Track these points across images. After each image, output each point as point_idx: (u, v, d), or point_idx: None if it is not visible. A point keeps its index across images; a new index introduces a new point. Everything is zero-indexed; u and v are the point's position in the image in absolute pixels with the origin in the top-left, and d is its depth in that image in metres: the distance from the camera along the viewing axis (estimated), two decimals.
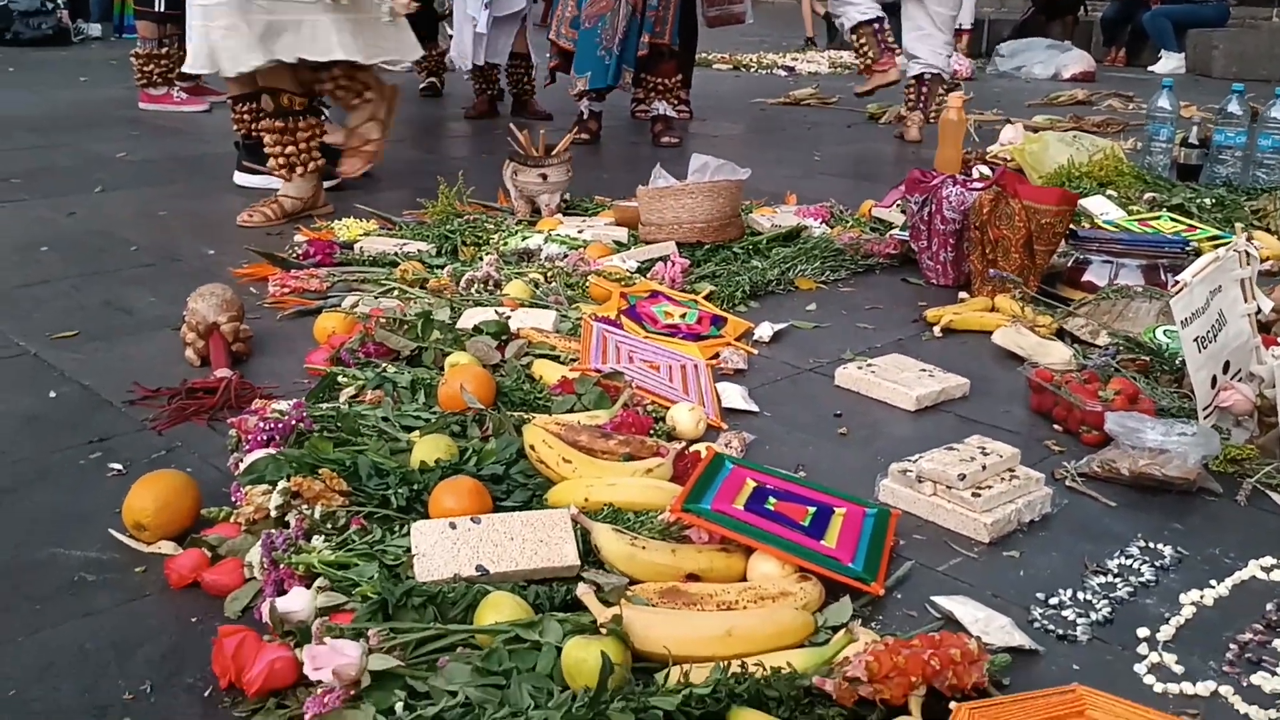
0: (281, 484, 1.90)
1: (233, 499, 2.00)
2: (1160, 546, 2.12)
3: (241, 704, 1.56)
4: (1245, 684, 1.73)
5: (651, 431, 2.39)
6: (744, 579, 1.88)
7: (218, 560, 1.87)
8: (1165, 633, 1.85)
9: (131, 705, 1.57)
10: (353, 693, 1.48)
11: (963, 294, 3.62)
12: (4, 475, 2.21)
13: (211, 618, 1.74)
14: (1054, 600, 1.94)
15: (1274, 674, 1.74)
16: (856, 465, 2.39)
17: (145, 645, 1.70)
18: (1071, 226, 3.63)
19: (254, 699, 1.55)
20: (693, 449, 2.28)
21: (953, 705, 1.49)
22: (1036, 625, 1.87)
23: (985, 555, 2.09)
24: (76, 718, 1.54)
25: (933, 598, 1.90)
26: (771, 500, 2.04)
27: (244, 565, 1.84)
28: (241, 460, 2.09)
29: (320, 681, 1.48)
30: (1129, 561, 2.07)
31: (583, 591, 1.71)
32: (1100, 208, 4.39)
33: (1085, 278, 3.52)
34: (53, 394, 2.61)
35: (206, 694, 1.59)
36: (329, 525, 1.87)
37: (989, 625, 1.81)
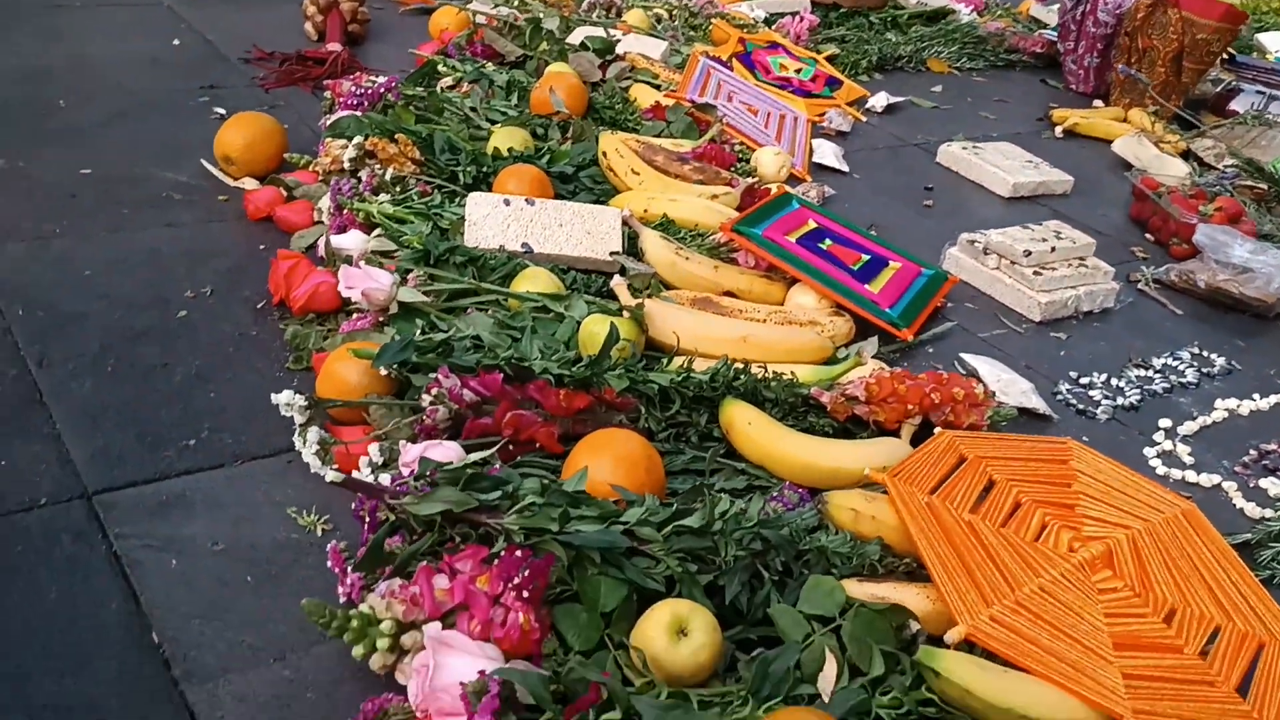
0: (358, 139, 1.98)
1: (316, 152, 2.10)
2: (1214, 356, 2.08)
3: (287, 319, 1.69)
4: (1252, 485, 1.73)
5: (732, 168, 2.39)
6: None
7: (292, 200, 1.98)
8: (1188, 428, 1.85)
9: (190, 302, 1.71)
10: (381, 319, 1.59)
11: (1098, 102, 3.46)
12: (120, 102, 2.35)
13: (277, 247, 1.86)
14: (1085, 381, 1.94)
15: None
16: (931, 236, 2.36)
17: (214, 259, 1.83)
18: (1230, 51, 3.40)
19: (298, 315, 1.68)
20: (765, 188, 2.28)
21: (938, 430, 1.53)
22: (1060, 398, 1.88)
23: (1032, 332, 2.08)
24: (140, 304, 1.69)
25: (962, 354, 1.92)
26: (827, 241, 2.05)
27: (314, 209, 1.95)
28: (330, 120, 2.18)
29: (353, 302, 1.59)
30: (1176, 364, 2.04)
31: (616, 283, 1.77)
32: (1278, 44, 4.08)
33: (1231, 106, 3.32)
34: (176, 42, 2.73)
35: (259, 306, 1.73)
36: (396, 187, 1.95)
37: (1010, 386, 1.83)
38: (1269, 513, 1.65)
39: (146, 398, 1.50)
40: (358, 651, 1.12)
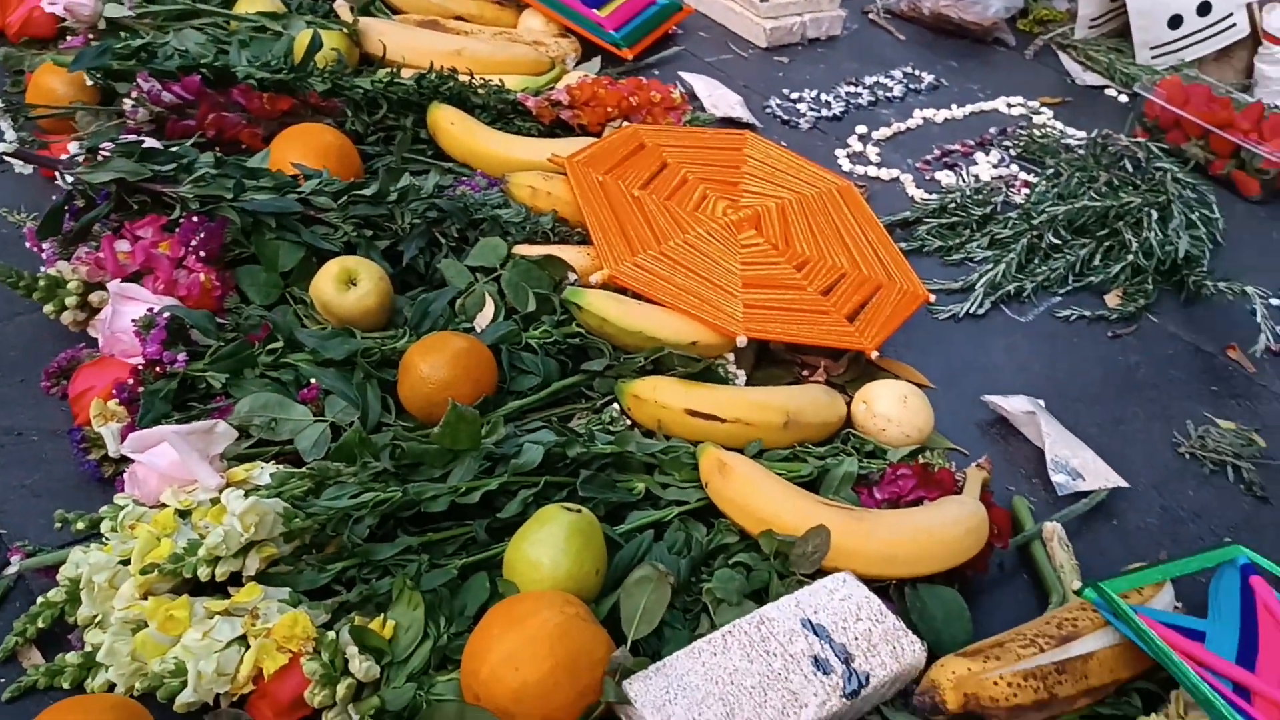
0: None
1: None
2: (924, 74, 2.26)
3: (3, 45, 1.72)
4: (929, 178, 1.93)
5: None
6: None
7: None
8: (882, 133, 2.03)
9: None
10: (91, 37, 1.64)
11: None
12: None
13: None
14: (796, 96, 2.10)
15: (956, 174, 1.93)
16: None
17: None
18: None
19: (14, 42, 1.71)
20: None
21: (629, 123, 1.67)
22: (768, 111, 2.04)
23: (757, 57, 2.22)
24: None
25: (681, 74, 2.05)
26: None
27: None
28: None
29: (66, 22, 1.64)
30: (887, 82, 2.21)
31: (339, 4, 1.84)
32: None
33: None
34: None
35: None
36: None
37: (720, 100, 1.97)
38: (936, 197, 1.85)
39: None
40: (48, 309, 1.24)
